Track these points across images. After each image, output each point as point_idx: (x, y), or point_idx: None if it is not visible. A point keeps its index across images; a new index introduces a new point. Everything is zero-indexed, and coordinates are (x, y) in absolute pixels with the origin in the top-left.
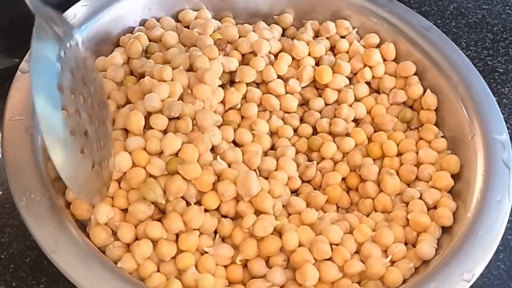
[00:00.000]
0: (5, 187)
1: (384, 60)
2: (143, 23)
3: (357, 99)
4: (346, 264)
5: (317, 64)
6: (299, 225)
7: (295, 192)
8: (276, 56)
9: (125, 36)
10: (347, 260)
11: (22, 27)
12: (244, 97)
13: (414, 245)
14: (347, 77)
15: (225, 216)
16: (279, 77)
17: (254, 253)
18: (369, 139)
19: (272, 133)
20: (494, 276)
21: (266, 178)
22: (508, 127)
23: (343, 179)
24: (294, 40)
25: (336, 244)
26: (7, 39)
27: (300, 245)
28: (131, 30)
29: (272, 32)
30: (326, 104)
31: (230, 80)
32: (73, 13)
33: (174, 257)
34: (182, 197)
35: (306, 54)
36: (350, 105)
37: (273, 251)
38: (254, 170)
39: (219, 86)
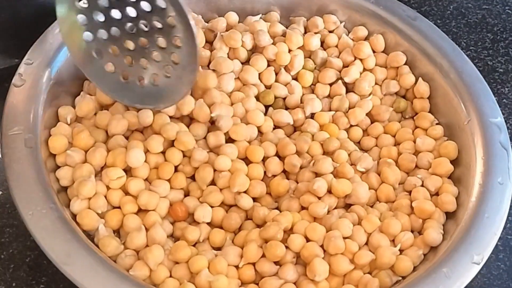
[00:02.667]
0: (5, 187)
1: (374, 52)
2: None
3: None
4: (356, 255)
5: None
6: (308, 219)
7: None
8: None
9: None
10: (355, 252)
11: (22, 27)
12: None
13: (420, 232)
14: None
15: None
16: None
17: (256, 258)
18: (365, 131)
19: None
20: (494, 276)
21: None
22: (508, 127)
23: None
24: (288, 30)
25: (348, 237)
26: (7, 39)
27: (308, 240)
28: None
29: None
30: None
31: None
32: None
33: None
34: None
35: (300, 45)
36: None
37: (279, 256)
38: None
39: None
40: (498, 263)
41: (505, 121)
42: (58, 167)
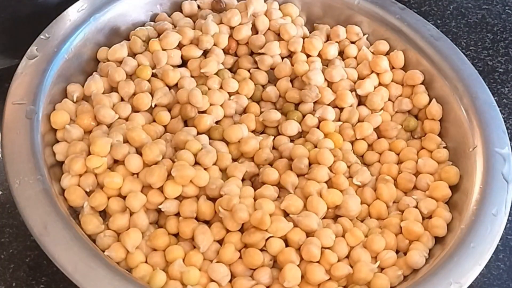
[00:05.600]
0: (5, 187)
1: (392, 68)
2: (154, 17)
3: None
4: (333, 266)
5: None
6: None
7: None
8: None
9: (134, 30)
10: (332, 263)
11: (22, 27)
12: None
13: (405, 253)
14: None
15: None
16: None
17: (231, 261)
18: (370, 145)
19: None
20: (494, 276)
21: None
22: (507, 127)
23: None
24: (310, 35)
25: (329, 248)
26: (7, 39)
27: (287, 245)
28: (141, 24)
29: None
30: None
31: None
32: (82, 3)
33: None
34: None
35: (319, 50)
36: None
37: (256, 265)
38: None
39: None
40: (498, 263)
41: (505, 121)
42: (58, 141)
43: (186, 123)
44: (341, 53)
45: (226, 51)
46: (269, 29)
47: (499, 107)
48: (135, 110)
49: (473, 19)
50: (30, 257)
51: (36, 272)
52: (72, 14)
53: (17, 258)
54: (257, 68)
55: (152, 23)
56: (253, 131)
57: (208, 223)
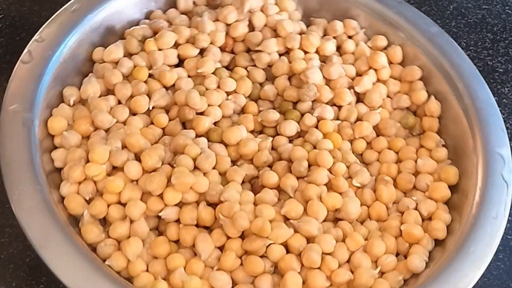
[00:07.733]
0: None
1: (390, 63)
2: (149, 14)
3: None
4: (334, 273)
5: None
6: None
7: None
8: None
9: (129, 30)
10: (333, 270)
11: None
12: None
13: (406, 256)
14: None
15: None
16: None
17: (232, 268)
18: (369, 144)
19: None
20: (494, 276)
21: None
22: (507, 127)
23: None
24: (307, 31)
25: (329, 253)
26: None
27: (288, 251)
28: (136, 22)
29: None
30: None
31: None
32: (76, 3)
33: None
34: None
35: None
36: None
37: (257, 272)
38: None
39: None
40: (498, 263)
41: (505, 121)
42: (56, 147)
43: (184, 124)
44: (338, 48)
45: (222, 49)
46: (265, 25)
47: (499, 107)
48: (132, 112)
49: (473, 19)
50: (30, 257)
51: (36, 272)
52: (65, 14)
53: (17, 258)
54: (254, 66)
55: (147, 21)
56: (252, 131)
57: (208, 228)
